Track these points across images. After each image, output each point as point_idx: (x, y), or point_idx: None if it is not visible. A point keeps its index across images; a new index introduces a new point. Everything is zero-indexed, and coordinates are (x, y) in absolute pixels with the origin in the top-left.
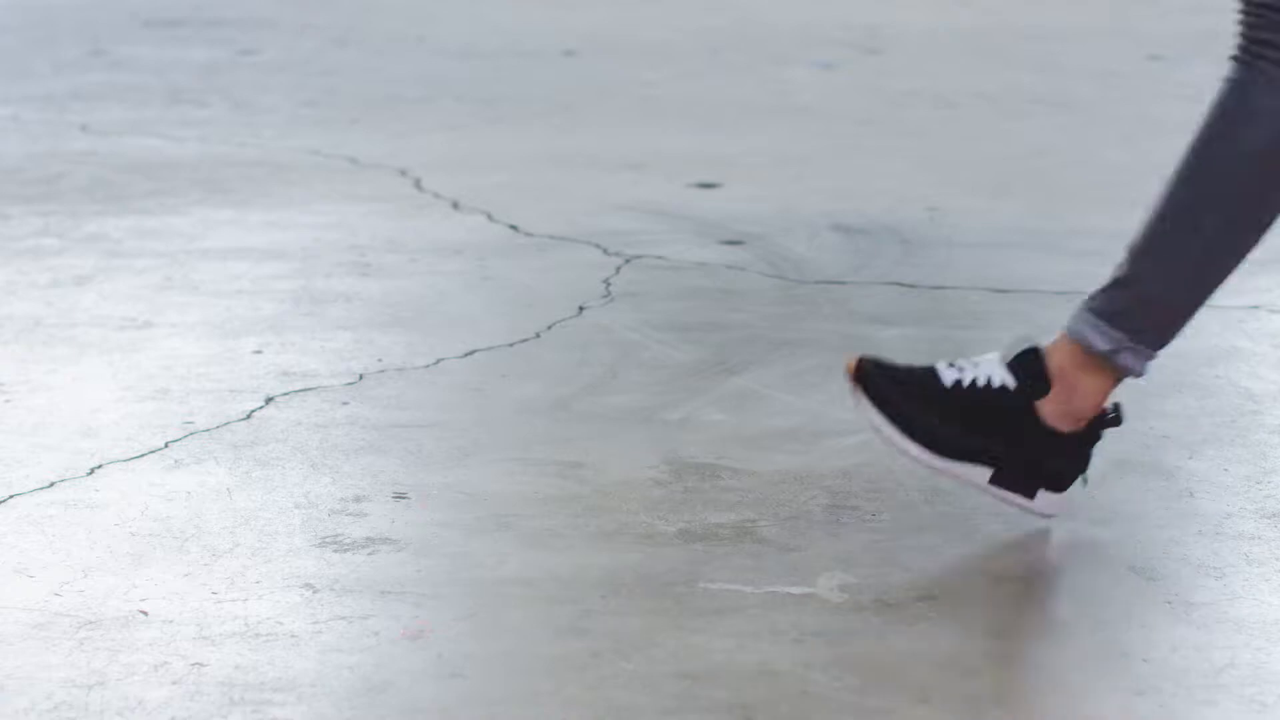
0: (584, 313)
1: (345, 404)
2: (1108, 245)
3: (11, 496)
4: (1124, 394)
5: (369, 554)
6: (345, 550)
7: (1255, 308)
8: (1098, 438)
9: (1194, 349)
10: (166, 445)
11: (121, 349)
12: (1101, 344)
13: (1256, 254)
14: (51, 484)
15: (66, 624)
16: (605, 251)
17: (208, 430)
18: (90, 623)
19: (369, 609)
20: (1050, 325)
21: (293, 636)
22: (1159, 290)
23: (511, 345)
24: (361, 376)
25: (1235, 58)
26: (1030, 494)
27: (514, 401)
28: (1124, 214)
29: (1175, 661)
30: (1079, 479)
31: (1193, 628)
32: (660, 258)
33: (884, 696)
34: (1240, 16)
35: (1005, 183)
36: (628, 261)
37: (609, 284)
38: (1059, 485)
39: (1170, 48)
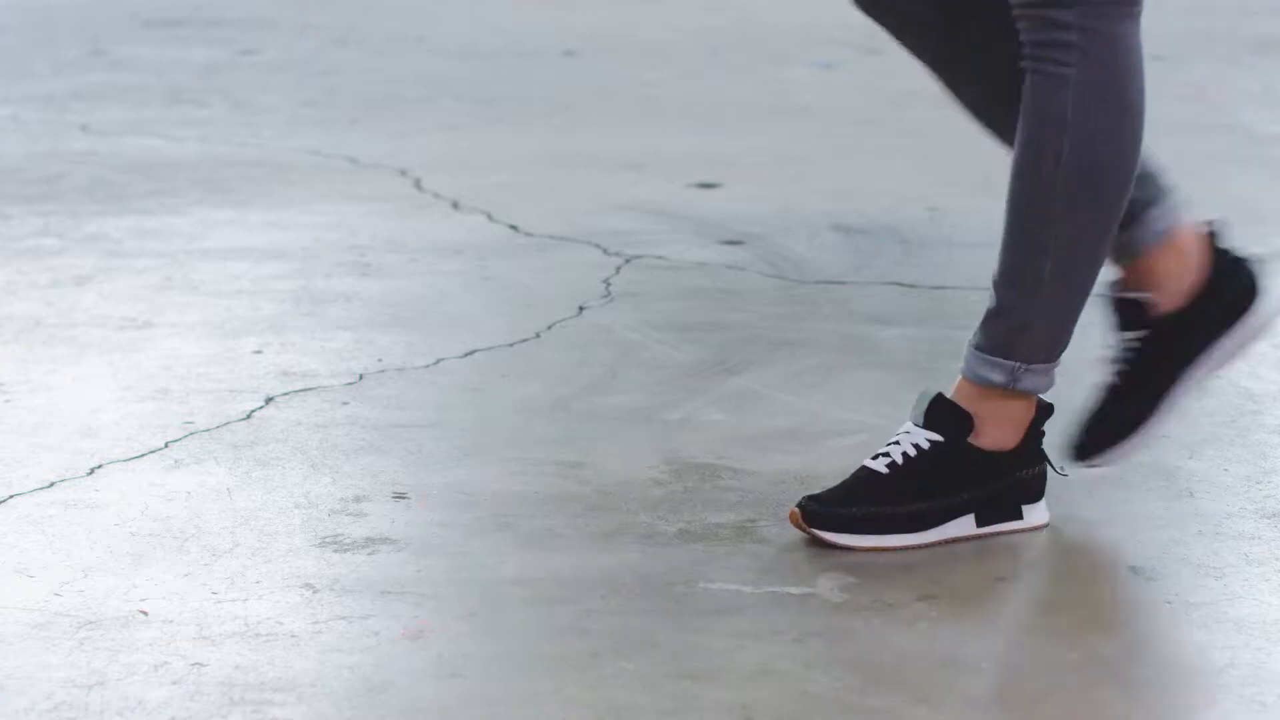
0: (584, 313)
1: (345, 404)
2: None
3: (11, 496)
4: None
5: (369, 554)
6: (345, 550)
7: None
8: (1041, 433)
9: None
10: (166, 445)
11: (121, 349)
12: (997, 377)
13: (1256, 254)
14: (51, 484)
15: (66, 624)
16: (605, 251)
17: (208, 430)
18: (90, 623)
19: (369, 609)
20: None
21: (293, 636)
22: (1029, 315)
23: (511, 345)
24: (361, 376)
25: (1024, 67)
26: (1016, 515)
27: (514, 401)
28: None
29: (1175, 661)
30: (1053, 470)
31: (1193, 628)
32: (660, 258)
33: (884, 696)
34: (1020, 25)
35: (1005, 183)
36: (628, 261)
37: (609, 284)
38: (1035, 494)
39: (1170, 48)
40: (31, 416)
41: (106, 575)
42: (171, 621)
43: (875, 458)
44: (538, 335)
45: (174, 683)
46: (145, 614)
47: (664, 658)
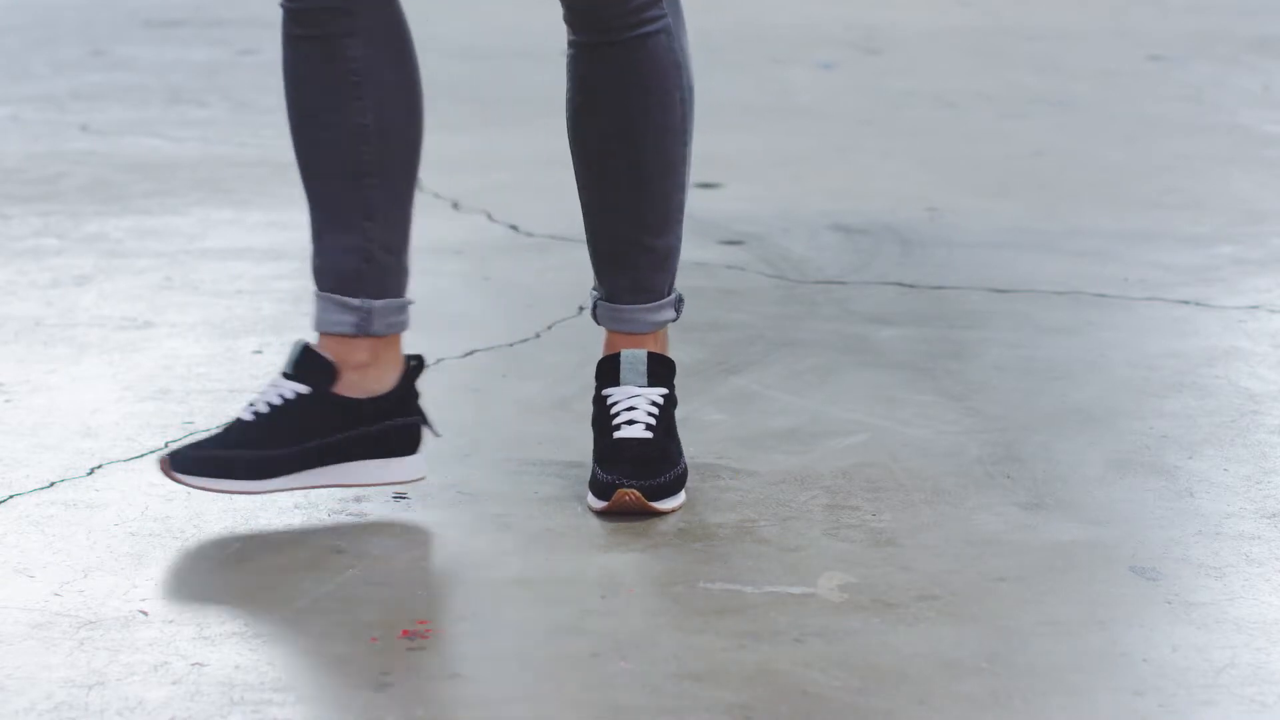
0: (584, 313)
1: None
2: (1108, 245)
3: (11, 496)
4: (1124, 396)
5: (369, 554)
6: (345, 550)
7: (1255, 308)
8: (414, 391)
9: (1194, 349)
10: (166, 445)
11: (121, 349)
12: (344, 321)
13: (1256, 254)
14: (51, 484)
15: (66, 624)
16: None
17: (208, 430)
18: (90, 623)
19: (369, 609)
20: (1050, 325)
21: (293, 637)
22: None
23: (511, 345)
24: None
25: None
26: (389, 460)
27: (514, 401)
28: (1124, 214)
29: (1175, 661)
30: (430, 432)
31: (1193, 628)
32: None
33: (884, 696)
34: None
35: (1005, 183)
36: None
37: None
38: (406, 446)
39: (1170, 48)
40: (31, 416)
41: (106, 575)
42: (171, 621)
43: (246, 406)
44: (538, 335)
45: (174, 683)
46: (145, 614)
47: (664, 658)
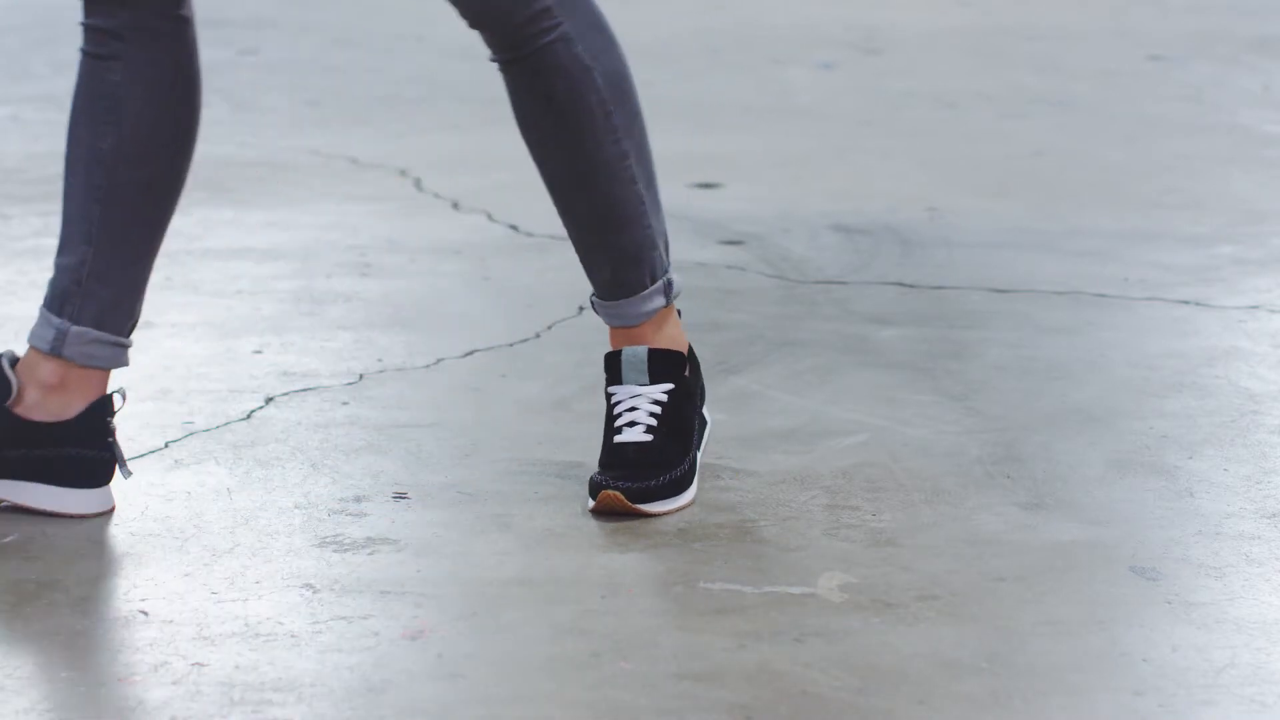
0: (584, 313)
1: (345, 404)
2: (1108, 245)
3: None
4: (1124, 396)
5: (369, 554)
6: (345, 550)
7: (1255, 308)
8: (103, 424)
9: (1194, 349)
10: (166, 445)
11: None
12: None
13: (1256, 254)
14: None
15: (67, 624)
16: None
17: (208, 430)
18: (90, 623)
19: (369, 609)
20: (1050, 325)
21: (293, 636)
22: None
23: (511, 345)
24: (361, 376)
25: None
26: (64, 489)
27: (514, 401)
28: (1124, 214)
29: (1175, 661)
30: (120, 470)
31: (1193, 628)
32: None
33: (884, 696)
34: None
35: (1005, 183)
36: None
37: None
38: (85, 478)
39: (1170, 48)
40: None
41: (106, 575)
42: (171, 621)
43: None
44: (538, 335)
45: (174, 683)
46: (145, 614)
47: (664, 658)
